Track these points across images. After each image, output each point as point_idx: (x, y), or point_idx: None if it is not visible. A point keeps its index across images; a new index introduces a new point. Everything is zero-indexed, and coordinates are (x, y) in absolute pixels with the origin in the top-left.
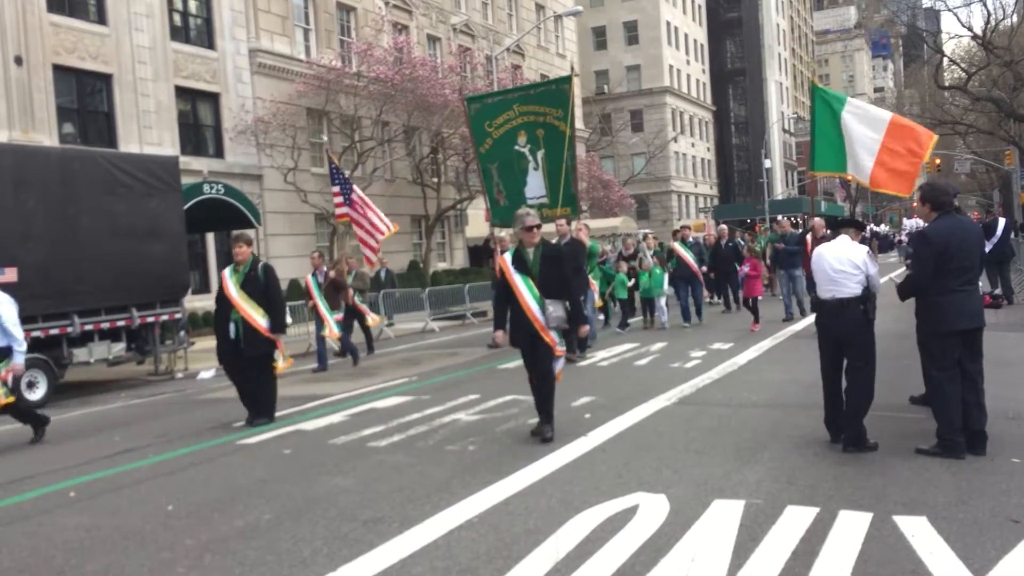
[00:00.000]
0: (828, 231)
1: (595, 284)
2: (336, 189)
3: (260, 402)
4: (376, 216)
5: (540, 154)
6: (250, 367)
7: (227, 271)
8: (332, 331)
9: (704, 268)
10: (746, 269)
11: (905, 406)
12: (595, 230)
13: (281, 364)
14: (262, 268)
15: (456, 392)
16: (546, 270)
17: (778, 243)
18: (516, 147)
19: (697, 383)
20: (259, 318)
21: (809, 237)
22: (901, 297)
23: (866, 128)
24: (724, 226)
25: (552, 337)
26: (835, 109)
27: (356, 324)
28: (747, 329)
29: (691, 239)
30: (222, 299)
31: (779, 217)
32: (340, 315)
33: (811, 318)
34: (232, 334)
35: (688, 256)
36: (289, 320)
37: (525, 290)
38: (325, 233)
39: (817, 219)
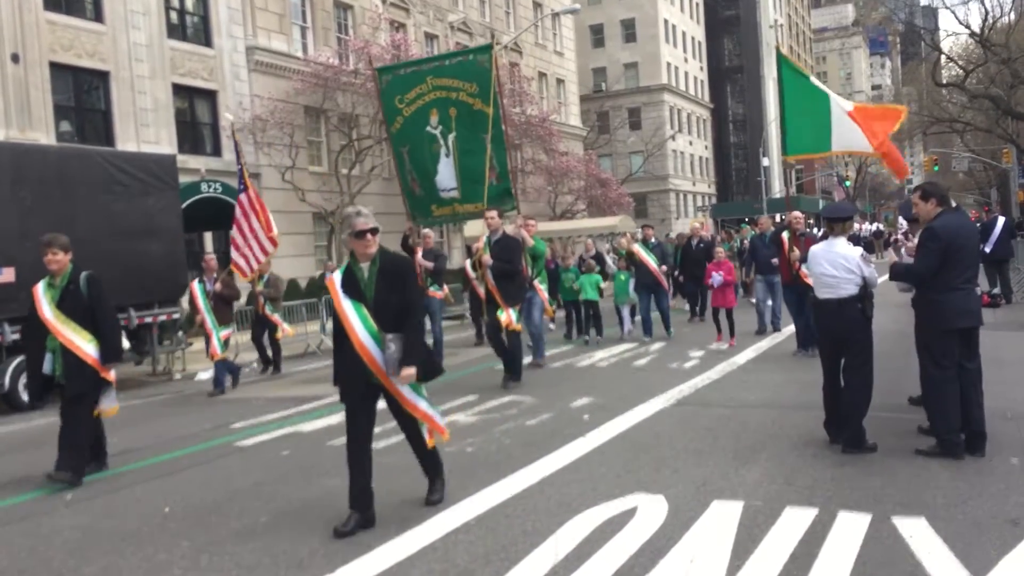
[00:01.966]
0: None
1: (543, 290)
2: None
3: (67, 449)
4: (263, 225)
5: (451, 138)
6: (70, 406)
7: (40, 286)
8: (215, 350)
9: (668, 270)
10: (719, 278)
11: (904, 406)
12: (593, 229)
13: (107, 407)
14: (85, 280)
15: (454, 393)
16: (383, 292)
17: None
18: (428, 128)
19: (696, 384)
20: (84, 345)
21: (785, 235)
22: (892, 276)
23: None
24: (696, 224)
25: (404, 391)
26: (809, 83)
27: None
28: (746, 331)
29: (653, 240)
30: (34, 322)
31: (763, 215)
32: (228, 332)
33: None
34: (49, 367)
35: (650, 260)
36: (127, 345)
37: (357, 322)
38: (323, 232)
39: (796, 213)
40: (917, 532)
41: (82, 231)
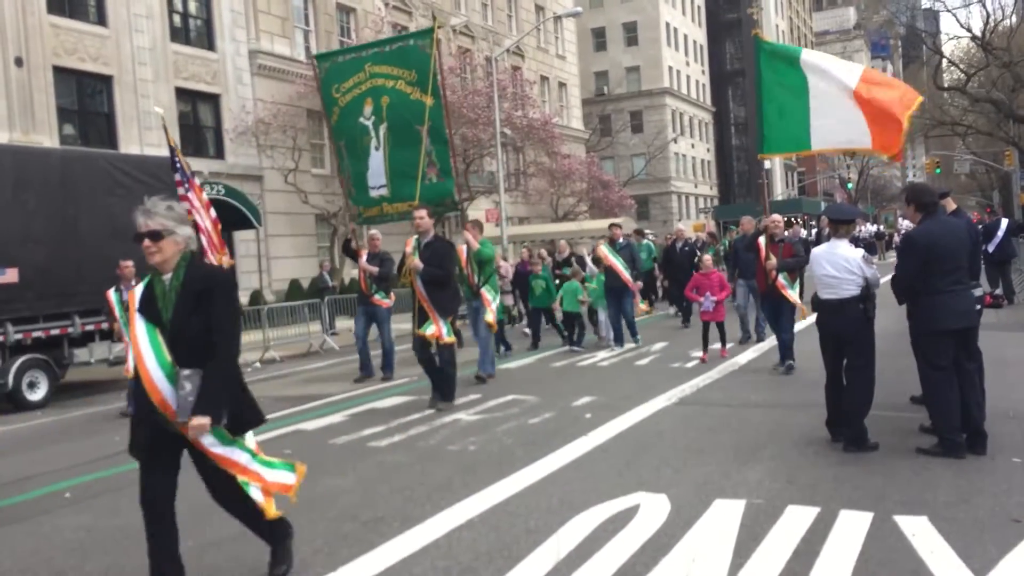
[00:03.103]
0: (827, 231)
1: (490, 298)
2: (178, 178)
3: None
4: (213, 233)
5: (382, 129)
6: None
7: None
8: (129, 367)
9: (637, 273)
10: (709, 303)
11: (906, 405)
12: (595, 231)
13: None
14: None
15: (457, 392)
16: (183, 314)
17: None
18: (361, 119)
19: (697, 383)
20: None
21: (762, 240)
22: (896, 298)
23: (836, 82)
24: (681, 226)
25: (207, 442)
26: (789, 69)
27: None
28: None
29: (621, 240)
30: None
31: (745, 216)
32: None
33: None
34: None
35: (617, 263)
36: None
37: (148, 350)
38: (326, 234)
39: (774, 216)
40: (919, 531)
41: (85, 233)
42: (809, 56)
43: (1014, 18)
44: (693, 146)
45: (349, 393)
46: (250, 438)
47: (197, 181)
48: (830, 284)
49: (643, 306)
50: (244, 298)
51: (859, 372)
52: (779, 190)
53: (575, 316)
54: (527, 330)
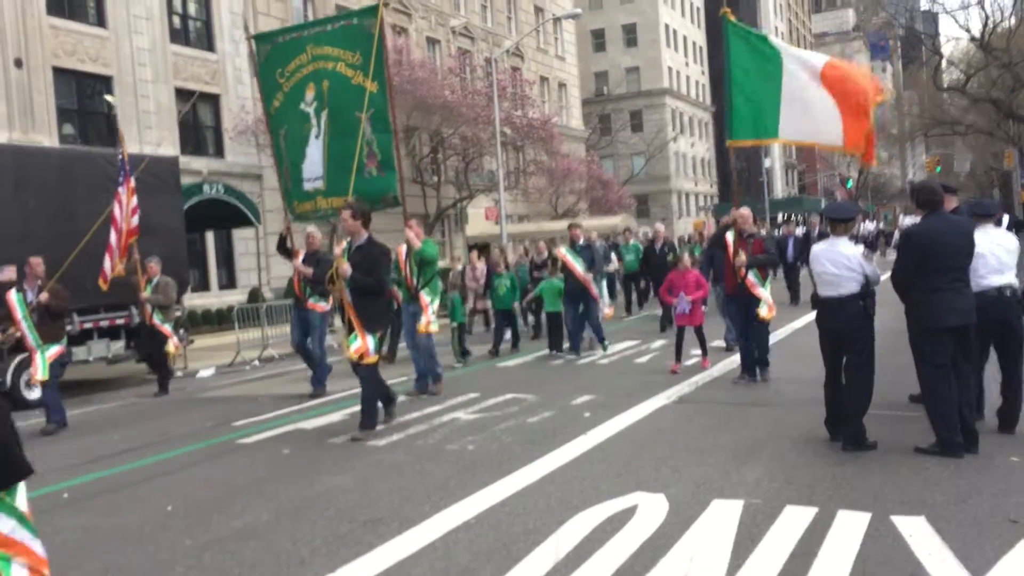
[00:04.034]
0: (816, 230)
1: (427, 301)
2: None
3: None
4: (124, 238)
5: (323, 116)
6: None
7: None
8: (35, 373)
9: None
10: (685, 304)
11: (904, 404)
12: (593, 228)
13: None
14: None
15: (455, 391)
16: None
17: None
18: (302, 105)
19: (696, 381)
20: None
21: (730, 236)
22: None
23: (807, 67)
24: (659, 227)
25: None
26: (759, 53)
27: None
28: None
29: (582, 241)
30: None
31: (725, 215)
32: (57, 350)
33: (810, 316)
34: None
35: (576, 265)
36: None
37: None
38: (326, 232)
39: (742, 210)
40: (917, 531)
41: (84, 232)
42: (777, 42)
43: (1013, 19)
44: (692, 145)
45: (348, 392)
46: (21, 495)
47: (132, 182)
48: (830, 282)
49: (608, 310)
50: (243, 296)
51: (859, 370)
52: (779, 188)
53: (556, 316)
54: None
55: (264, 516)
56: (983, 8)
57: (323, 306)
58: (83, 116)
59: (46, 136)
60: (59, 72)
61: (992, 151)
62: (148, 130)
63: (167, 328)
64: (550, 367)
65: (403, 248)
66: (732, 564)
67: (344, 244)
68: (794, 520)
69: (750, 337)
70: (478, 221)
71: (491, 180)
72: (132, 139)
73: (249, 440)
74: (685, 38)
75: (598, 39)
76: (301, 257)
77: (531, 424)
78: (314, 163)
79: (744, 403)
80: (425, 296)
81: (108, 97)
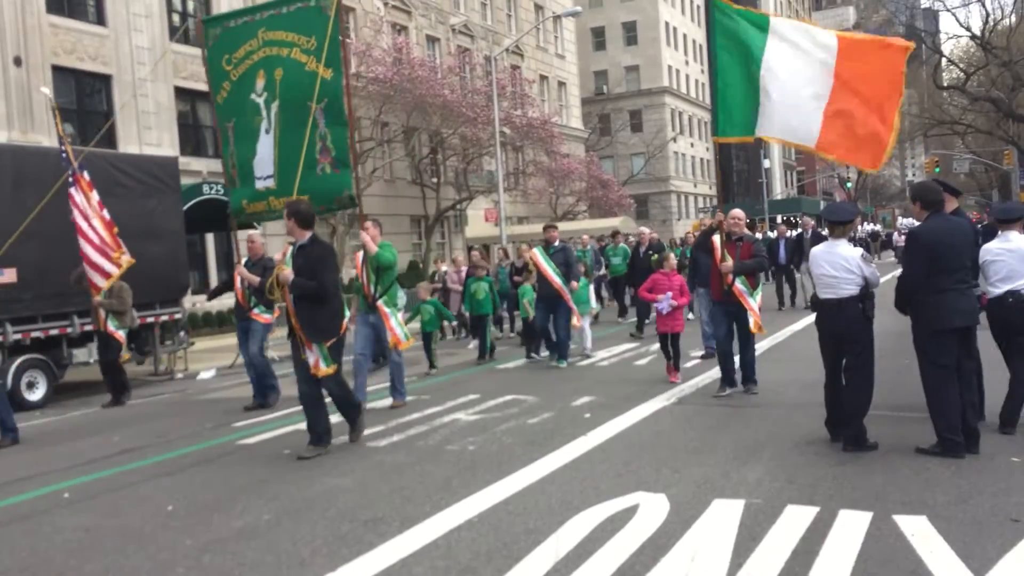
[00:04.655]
0: (824, 231)
1: (388, 312)
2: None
3: None
4: (106, 233)
5: (274, 108)
6: None
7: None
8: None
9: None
10: (666, 303)
11: (905, 405)
12: (594, 230)
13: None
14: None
15: (456, 392)
16: None
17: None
18: (252, 95)
19: (697, 383)
20: None
21: (716, 238)
22: (898, 304)
23: (804, 64)
24: (644, 230)
25: None
26: (745, 40)
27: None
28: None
29: (557, 243)
30: None
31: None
32: None
33: (810, 317)
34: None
35: (549, 269)
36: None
37: None
38: (325, 233)
39: (734, 212)
40: (918, 530)
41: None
42: (779, 25)
43: (1013, 17)
44: (692, 145)
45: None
46: None
47: (86, 176)
48: (829, 284)
49: (575, 321)
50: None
51: (858, 372)
52: (778, 189)
53: (533, 321)
54: (473, 344)
55: (265, 516)
56: (984, 6)
57: (267, 317)
58: (83, 115)
59: (45, 136)
60: (58, 71)
61: (992, 151)
62: (148, 130)
63: (122, 335)
64: (550, 369)
65: (360, 253)
66: (733, 563)
67: (289, 248)
68: (795, 520)
69: (732, 347)
70: (478, 223)
71: (490, 181)
72: (131, 139)
73: (249, 441)
74: (685, 36)
75: (598, 37)
76: (243, 263)
77: (531, 425)
78: (265, 160)
79: (744, 404)
80: (385, 306)
81: (44, 89)
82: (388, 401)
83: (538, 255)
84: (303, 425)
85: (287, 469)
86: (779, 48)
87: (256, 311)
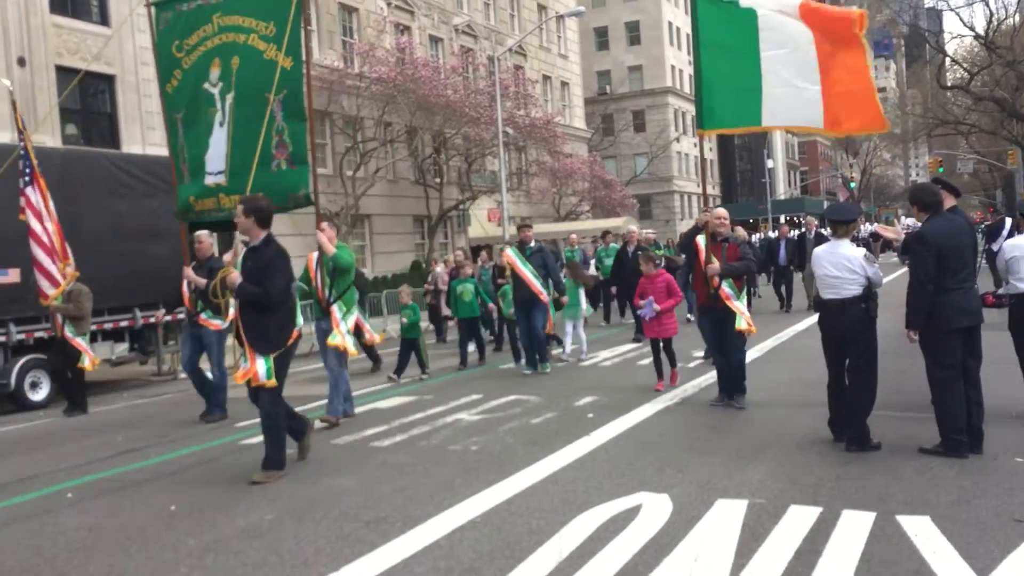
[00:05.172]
0: (826, 231)
1: (339, 317)
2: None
3: None
4: (57, 240)
5: (229, 99)
6: None
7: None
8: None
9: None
10: (650, 308)
11: (908, 405)
12: (597, 230)
13: None
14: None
15: (458, 392)
16: None
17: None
18: (206, 85)
19: (700, 383)
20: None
21: (701, 239)
22: (917, 313)
23: (793, 46)
24: (633, 228)
25: None
26: (735, 24)
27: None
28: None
29: (533, 244)
30: None
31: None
32: None
33: (813, 317)
34: None
35: (526, 271)
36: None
37: None
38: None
39: (718, 211)
40: (921, 531)
41: (87, 232)
42: (764, 10)
43: (1017, 17)
44: (695, 145)
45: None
46: None
47: (42, 180)
48: (832, 284)
49: (548, 327)
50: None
51: (862, 372)
52: (781, 189)
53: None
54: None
55: (267, 516)
56: (988, 5)
57: (217, 323)
58: (86, 116)
59: (49, 136)
60: (62, 71)
61: (996, 150)
62: (151, 131)
63: (81, 342)
64: (553, 369)
65: (314, 254)
66: (736, 563)
67: (241, 248)
68: (798, 520)
69: (735, 350)
70: (481, 223)
71: (493, 181)
72: (135, 139)
73: (253, 441)
74: (688, 36)
75: (601, 37)
76: (192, 266)
77: (534, 425)
78: (217, 154)
79: (747, 405)
80: (337, 311)
81: (3, 81)
82: (393, 401)
83: (513, 256)
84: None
85: (290, 469)
86: (770, 34)
87: (204, 316)
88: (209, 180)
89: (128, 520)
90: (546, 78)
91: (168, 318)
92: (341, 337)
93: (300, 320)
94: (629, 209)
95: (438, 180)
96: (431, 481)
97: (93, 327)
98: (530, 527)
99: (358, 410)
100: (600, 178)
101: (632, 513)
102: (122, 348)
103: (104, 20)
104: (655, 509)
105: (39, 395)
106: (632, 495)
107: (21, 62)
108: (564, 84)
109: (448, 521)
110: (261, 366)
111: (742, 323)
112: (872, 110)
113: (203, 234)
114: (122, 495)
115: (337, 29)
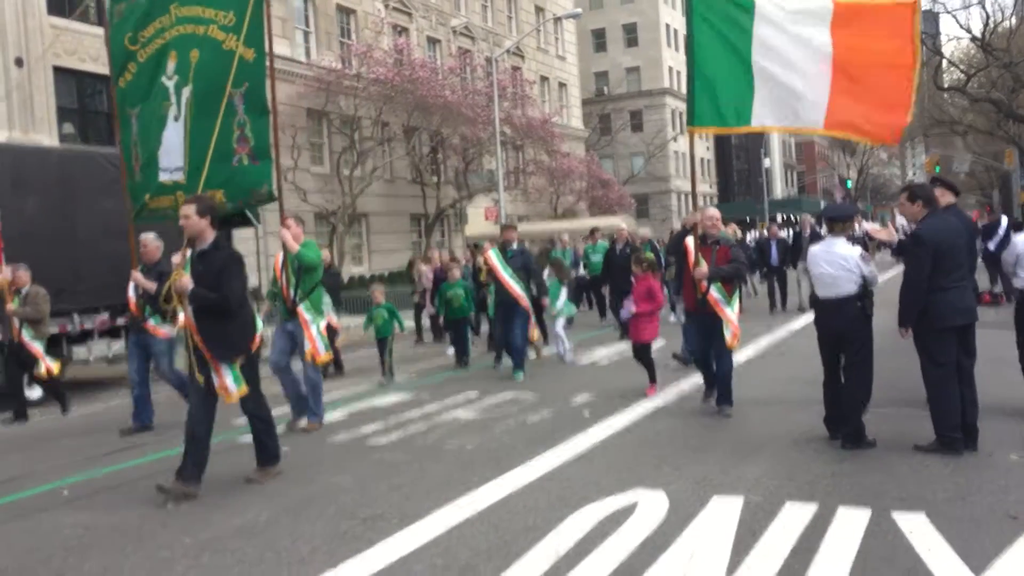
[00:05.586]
0: (823, 229)
1: (308, 319)
2: None
3: None
4: None
5: (186, 92)
6: None
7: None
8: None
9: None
10: (627, 311)
11: (903, 402)
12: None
13: None
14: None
15: (455, 390)
16: None
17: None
18: (163, 78)
19: (696, 380)
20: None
21: (690, 241)
22: (910, 310)
23: (799, 42)
24: (622, 226)
25: None
26: (730, 19)
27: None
28: (746, 329)
29: (515, 245)
30: None
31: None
32: None
33: (808, 316)
34: None
35: (505, 275)
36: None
37: None
38: (325, 232)
39: (709, 211)
40: (917, 527)
41: (83, 232)
42: (765, 5)
43: (1014, 19)
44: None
45: (348, 391)
46: None
47: None
48: (828, 282)
49: (533, 333)
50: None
51: (857, 369)
52: (779, 189)
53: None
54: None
55: (264, 514)
56: (984, 8)
57: (165, 331)
58: (83, 115)
59: (46, 135)
60: (59, 71)
61: (992, 150)
62: None
63: (37, 347)
64: (550, 366)
65: (280, 254)
66: (732, 560)
67: (188, 251)
68: (794, 517)
69: (708, 357)
70: (478, 221)
71: (490, 180)
72: None
73: (249, 439)
74: (685, 37)
75: (599, 39)
76: (139, 268)
77: (531, 423)
78: (173, 150)
79: (743, 401)
80: (306, 312)
81: None
82: (389, 399)
83: (493, 258)
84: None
85: (286, 467)
86: (768, 31)
87: (152, 323)
88: (164, 177)
89: (124, 518)
90: (544, 79)
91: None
92: (312, 343)
93: (260, 324)
94: (626, 208)
95: (435, 179)
96: (428, 479)
97: (89, 325)
98: (527, 524)
99: (354, 408)
100: (597, 177)
101: (628, 510)
102: (119, 346)
103: (101, 21)
104: (651, 506)
105: (35, 393)
106: (628, 492)
107: (18, 62)
108: (562, 85)
109: (445, 518)
110: (228, 377)
111: (727, 334)
112: (892, 122)
113: (149, 237)
114: (118, 493)
115: (335, 30)
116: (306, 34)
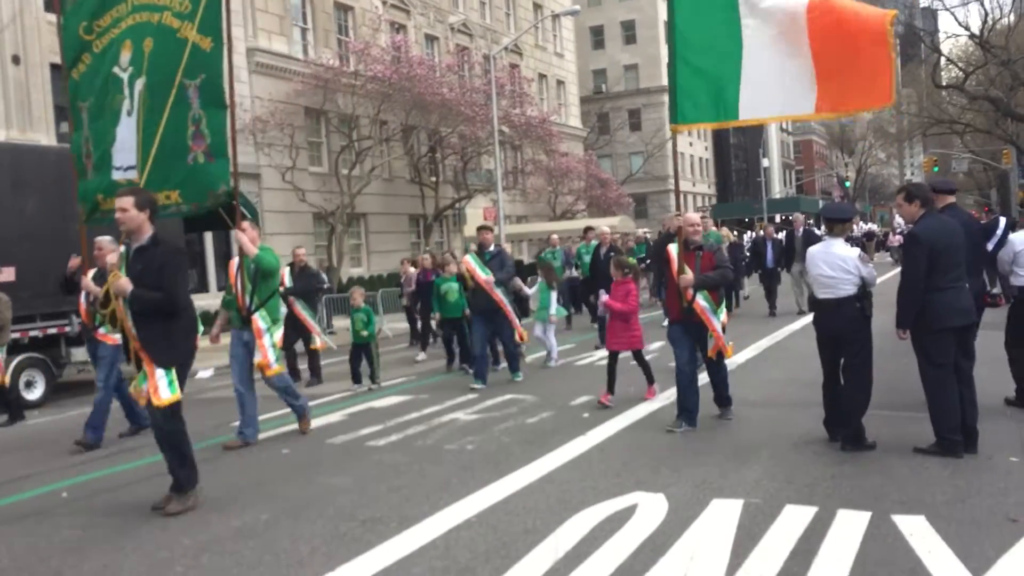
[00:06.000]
0: (817, 230)
1: (263, 328)
2: None
3: None
4: None
5: (139, 85)
6: None
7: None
8: None
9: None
10: (604, 308)
11: (903, 404)
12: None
13: None
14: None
15: (454, 391)
16: None
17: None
18: (115, 70)
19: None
20: None
21: (672, 248)
22: (907, 311)
23: (780, 31)
24: (605, 229)
25: None
26: (715, 12)
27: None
28: (745, 330)
29: (492, 247)
30: None
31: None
32: None
33: (808, 317)
34: None
35: (484, 276)
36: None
37: None
38: (323, 232)
39: (690, 215)
40: (916, 530)
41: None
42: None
43: (1012, 16)
44: (691, 144)
45: (347, 392)
46: None
47: None
48: (827, 284)
49: (525, 334)
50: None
51: (857, 371)
52: (777, 188)
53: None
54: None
55: (263, 516)
56: (982, 5)
57: (116, 338)
58: None
59: (44, 134)
60: (57, 69)
61: (990, 150)
62: None
63: None
64: (549, 368)
65: (235, 259)
66: (732, 563)
67: (121, 249)
68: (794, 519)
69: (695, 375)
70: (476, 222)
71: (489, 180)
72: None
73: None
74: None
75: (597, 36)
76: (91, 275)
77: (530, 424)
78: (126, 147)
79: (743, 404)
80: (260, 320)
81: None
82: (388, 401)
83: (472, 263)
84: (297, 426)
85: (286, 468)
86: (753, 23)
87: (102, 330)
88: (117, 175)
89: (122, 519)
90: (542, 77)
91: None
92: (263, 354)
93: (201, 327)
94: (625, 208)
95: (434, 179)
96: (427, 481)
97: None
98: (526, 527)
99: (353, 410)
100: (596, 177)
101: (628, 513)
102: None
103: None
104: (651, 509)
105: (34, 394)
106: (628, 495)
107: (15, 60)
108: (560, 83)
109: (444, 520)
110: (162, 380)
111: (710, 345)
112: (881, 85)
113: (104, 240)
114: (117, 494)
115: (333, 27)
116: (304, 31)
